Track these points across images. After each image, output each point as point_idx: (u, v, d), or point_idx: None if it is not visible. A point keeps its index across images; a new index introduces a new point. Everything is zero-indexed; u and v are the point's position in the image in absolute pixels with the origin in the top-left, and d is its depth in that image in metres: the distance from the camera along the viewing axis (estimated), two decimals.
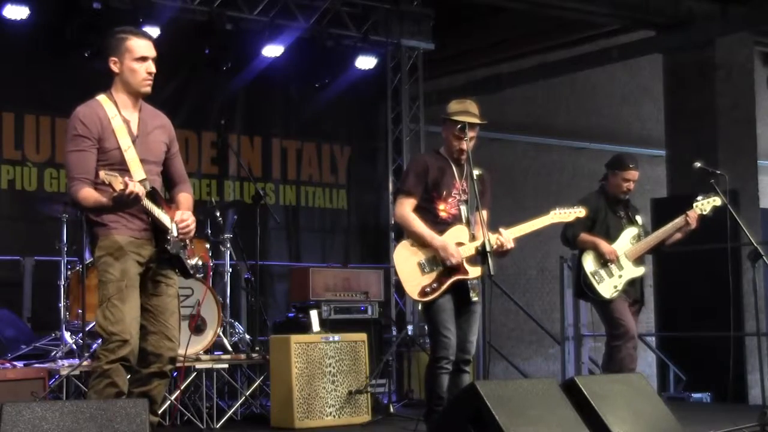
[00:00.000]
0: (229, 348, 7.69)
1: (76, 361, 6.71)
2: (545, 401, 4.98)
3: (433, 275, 5.52)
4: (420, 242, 5.56)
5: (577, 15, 11.35)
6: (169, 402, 6.83)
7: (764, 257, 6.32)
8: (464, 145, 5.56)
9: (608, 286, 6.75)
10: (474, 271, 5.53)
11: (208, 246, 7.70)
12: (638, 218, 7.04)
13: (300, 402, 6.98)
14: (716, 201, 6.75)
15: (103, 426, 3.92)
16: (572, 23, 12.08)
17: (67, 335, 7.27)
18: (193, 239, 4.94)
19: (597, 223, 6.88)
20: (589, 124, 15.08)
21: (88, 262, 6.83)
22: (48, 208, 7.60)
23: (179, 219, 4.77)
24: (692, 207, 6.77)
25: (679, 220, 6.81)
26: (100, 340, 4.96)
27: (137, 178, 4.59)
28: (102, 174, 4.38)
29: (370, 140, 10.77)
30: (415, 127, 10.75)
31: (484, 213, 5.63)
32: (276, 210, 9.46)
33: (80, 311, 7.00)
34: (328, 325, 7.94)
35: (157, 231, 4.72)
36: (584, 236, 6.81)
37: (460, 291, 5.56)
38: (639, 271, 6.88)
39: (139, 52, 4.73)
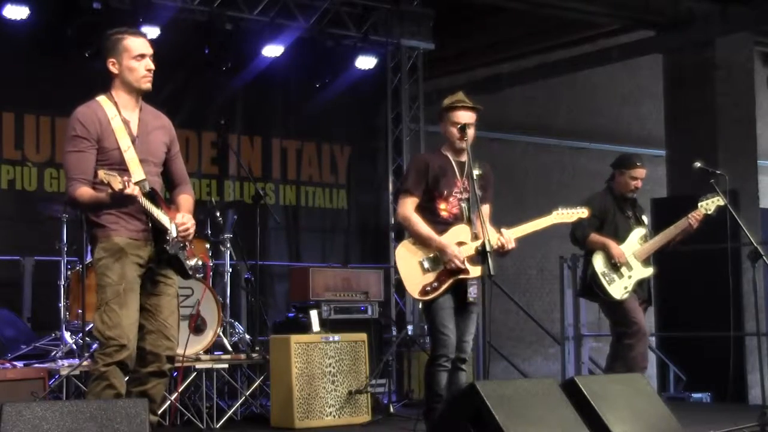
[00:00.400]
0: (229, 348, 7.69)
1: (76, 361, 6.71)
2: (545, 401, 4.98)
3: (434, 274, 5.53)
4: (423, 242, 5.57)
5: (577, 15, 11.36)
6: (169, 402, 6.83)
7: (764, 257, 6.32)
8: (462, 132, 5.55)
9: (619, 287, 6.74)
10: (474, 271, 5.53)
11: (208, 246, 7.70)
12: (644, 218, 7.04)
13: (300, 402, 6.98)
14: (719, 201, 6.75)
15: (103, 426, 3.92)
16: (572, 23, 12.08)
17: (67, 335, 7.27)
18: (192, 240, 4.93)
19: (605, 223, 6.87)
20: (589, 124, 15.08)
21: (88, 262, 6.82)
22: (48, 208, 7.59)
23: (180, 222, 4.76)
24: (697, 207, 6.77)
25: (684, 220, 6.81)
26: (97, 343, 4.95)
27: (136, 179, 4.59)
28: (101, 173, 4.38)
29: (370, 140, 10.77)
30: (415, 127, 10.75)
31: (486, 208, 5.63)
32: (276, 210, 9.47)
33: (80, 311, 7.00)
34: (328, 325, 7.94)
35: (156, 231, 4.72)
36: (594, 237, 6.79)
37: (459, 291, 5.57)
38: (648, 271, 6.87)
39: (137, 50, 4.73)
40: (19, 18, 8.38)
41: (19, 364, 6.73)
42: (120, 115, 4.71)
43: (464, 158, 5.66)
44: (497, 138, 13.62)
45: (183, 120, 9.10)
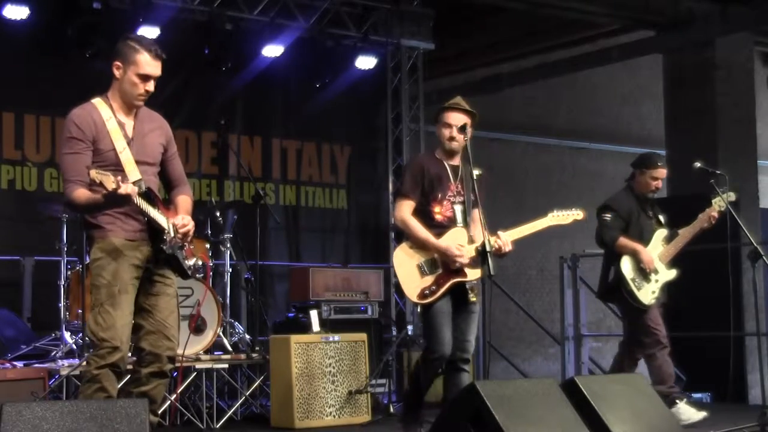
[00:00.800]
0: (229, 348, 7.69)
1: (76, 361, 6.71)
2: (545, 401, 4.98)
3: (432, 277, 5.55)
4: (421, 246, 5.57)
5: (577, 15, 11.35)
6: (168, 402, 6.83)
7: (764, 257, 6.31)
8: (453, 132, 5.56)
9: (647, 293, 6.73)
10: (473, 273, 5.54)
11: (208, 246, 7.70)
12: (661, 217, 7.00)
13: (300, 402, 6.98)
14: (731, 195, 6.73)
15: (103, 426, 3.92)
16: (572, 23, 12.07)
17: (67, 335, 7.27)
18: (192, 239, 4.92)
19: (630, 225, 6.81)
20: (589, 124, 15.07)
21: (87, 262, 6.81)
22: (48, 208, 7.59)
23: (179, 224, 4.75)
24: (711, 205, 6.74)
25: (702, 218, 6.77)
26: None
27: (132, 179, 4.57)
28: (93, 173, 4.33)
29: (370, 140, 10.76)
30: (415, 127, 10.75)
31: (476, 212, 5.64)
32: (276, 210, 9.47)
33: (80, 311, 7.00)
34: (328, 325, 7.94)
35: (153, 231, 4.70)
36: (623, 241, 6.73)
37: (457, 292, 5.58)
38: (672, 273, 6.85)
39: (145, 70, 4.69)
40: (19, 18, 8.38)
41: (19, 364, 6.73)
42: (115, 117, 4.70)
43: (457, 161, 5.68)
44: (497, 138, 13.61)
45: (183, 120, 9.11)
